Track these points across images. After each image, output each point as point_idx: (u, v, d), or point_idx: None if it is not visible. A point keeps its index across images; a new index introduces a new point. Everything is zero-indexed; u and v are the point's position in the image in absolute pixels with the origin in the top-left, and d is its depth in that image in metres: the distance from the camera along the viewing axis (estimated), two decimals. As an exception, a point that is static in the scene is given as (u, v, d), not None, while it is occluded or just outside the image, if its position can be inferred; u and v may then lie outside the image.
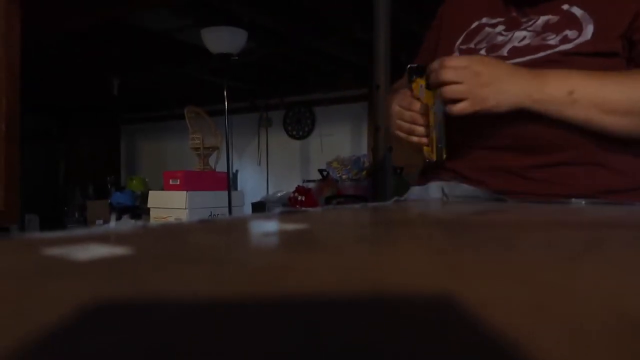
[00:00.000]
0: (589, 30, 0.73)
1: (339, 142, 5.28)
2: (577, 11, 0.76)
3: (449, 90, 0.68)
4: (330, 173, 4.54)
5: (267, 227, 0.33)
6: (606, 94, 0.67)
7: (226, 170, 3.32)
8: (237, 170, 5.60)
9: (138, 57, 4.11)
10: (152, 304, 0.13)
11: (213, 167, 3.51)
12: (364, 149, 5.04)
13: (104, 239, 0.24)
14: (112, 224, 0.28)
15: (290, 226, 0.32)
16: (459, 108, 0.67)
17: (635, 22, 0.72)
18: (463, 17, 0.89)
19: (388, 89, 1.29)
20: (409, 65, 0.75)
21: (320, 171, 4.76)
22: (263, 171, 5.76)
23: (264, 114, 5.71)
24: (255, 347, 0.10)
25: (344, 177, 4.40)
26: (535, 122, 0.70)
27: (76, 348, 0.10)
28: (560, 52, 0.73)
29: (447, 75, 0.68)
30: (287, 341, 0.10)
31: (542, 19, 0.78)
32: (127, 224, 0.28)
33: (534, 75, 0.68)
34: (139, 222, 0.29)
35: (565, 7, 0.77)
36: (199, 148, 3.42)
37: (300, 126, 5.57)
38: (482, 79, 0.67)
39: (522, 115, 0.69)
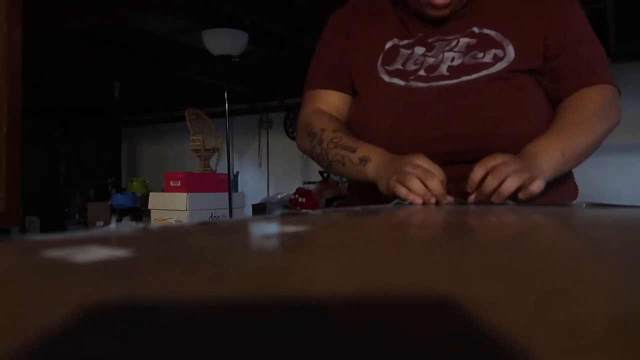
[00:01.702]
0: (510, 50, 0.79)
1: (339, 143, 5.27)
2: (490, 32, 0.81)
3: (510, 181, 0.65)
4: (331, 175, 4.54)
5: (267, 229, 0.33)
6: (578, 145, 0.76)
7: (227, 172, 3.32)
8: (237, 172, 5.60)
9: (139, 59, 4.11)
10: (152, 306, 0.13)
11: (214, 169, 3.51)
12: (364, 150, 5.04)
13: (104, 241, 0.24)
14: (113, 225, 0.28)
15: (291, 228, 0.32)
16: (538, 184, 0.65)
17: (547, 39, 0.79)
18: (370, 38, 0.87)
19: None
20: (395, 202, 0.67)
21: (321, 173, 4.76)
22: (264, 173, 5.76)
23: (265, 115, 5.72)
24: (255, 349, 0.10)
25: (344, 178, 4.39)
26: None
27: (76, 350, 0.10)
28: (501, 70, 0.78)
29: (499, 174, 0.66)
30: (288, 342, 0.10)
31: (462, 41, 0.81)
32: (128, 225, 0.28)
33: (531, 157, 0.72)
34: (140, 224, 0.29)
35: (475, 29, 0.81)
36: (200, 150, 3.43)
37: (300, 127, 5.57)
38: (517, 163, 0.69)
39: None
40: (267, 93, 5.45)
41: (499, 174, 0.66)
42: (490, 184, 0.66)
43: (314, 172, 5.12)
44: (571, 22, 0.82)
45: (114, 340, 0.10)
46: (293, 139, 5.59)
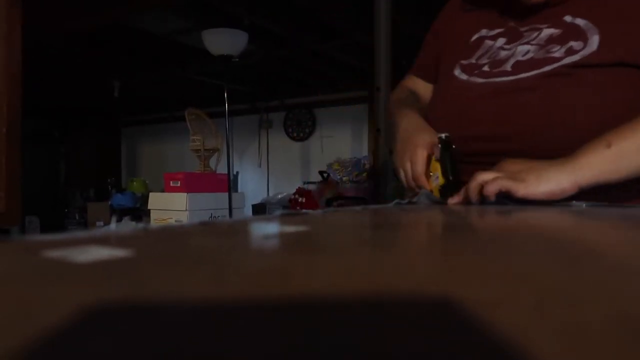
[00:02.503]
0: (594, 40, 0.70)
1: (339, 143, 5.28)
2: (580, 22, 0.73)
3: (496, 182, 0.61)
4: (331, 175, 4.54)
5: (267, 229, 0.33)
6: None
7: (227, 172, 3.33)
8: (237, 172, 5.61)
9: (139, 59, 4.11)
10: (152, 307, 0.13)
11: (214, 169, 3.51)
12: (364, 150, 5.04)
13: (104, 241, 0.24)
14: (113, 225, 0.28)
15: (291, 228, 0.32)
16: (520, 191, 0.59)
17: None
18: (462, 30, 0.88)
19: (389, 92, 1.29)
20: (439, 135, 0.72)
21: (321, 173, 4.76)
22: (263, 173, 5.76)
23: (265, 115, 5.72)
24: (256, 349, 0.10)
25: (344, 178, 4.40)
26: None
27: (76, 350, 0.10)
28: (566, 65, 0.70)
29: (485, 176, 0.63)
30: (288, 343, 0.10)
31: (545, 32, 0.75)
32: (128, 225, 0.28)
33: (566, 161, 0.62)
34: (140, 224, 0.29)
35: (568, 18, 0.75)
36: (200, 150, 3.43)
37: (300, 128, 5.57)
38: (519, 168, 0.63)
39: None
40: (267, 93, 5.45)
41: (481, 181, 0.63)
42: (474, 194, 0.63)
43: (314, 172, 5.13)
44: None
45: (114, 340, 0.10)
46: (293, 138, 5.60)
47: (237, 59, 3.14)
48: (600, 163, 0.60)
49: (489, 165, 0.67)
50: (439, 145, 0.72)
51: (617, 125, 0.63)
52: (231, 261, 0.21)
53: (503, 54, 0.79)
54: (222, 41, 3.02)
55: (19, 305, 0.13)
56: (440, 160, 0.71)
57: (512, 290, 0.16)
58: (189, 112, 3.45)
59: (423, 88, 0.99)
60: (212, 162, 3.53)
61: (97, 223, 4.82)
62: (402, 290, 0.16)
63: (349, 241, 0.29)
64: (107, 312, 0.13)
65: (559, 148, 0.65)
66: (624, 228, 0.39)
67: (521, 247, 0.27)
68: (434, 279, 0.18)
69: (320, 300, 0.14)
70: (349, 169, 4.44)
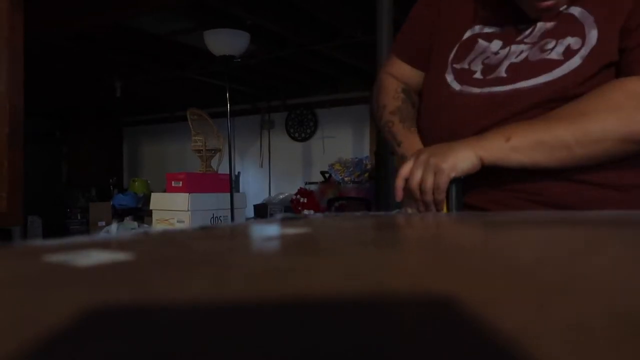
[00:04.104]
0: (592, 36, 0.67)
1: (341, 144, 5.28)
2: (574, 10, 0.70)
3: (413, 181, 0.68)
4: (333, 175, 4.54)
5: (268, 232, 0.33)
6: (555, 134, 0.64)
7: (228, 172, 3.33)
8: (239, 172, 5.61)
9: (140, 60, 4.12)
10: (154, 310, 0.13)
11: (215, 169, 3.52)
12: (366, 151, 5.04)
13: (105, 245, 0.24)
14: (114, 226, 0.28)
15: (291, 231, 0.32)
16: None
17: (629, 20, 0.66)
18: (455, 22, 0.82)
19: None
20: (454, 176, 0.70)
21: (323, 173, 4.76)
22: (265, 173, 5.77)
23: (266, 116, 5.72)
24: (257, 351, 0.10)
25: (346, 179, 4.40)
26: (541, 178, 0.68)
27: (78, 354, 0.10)
28: (575, 72, 0.67)
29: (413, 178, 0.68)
30: (289, 344, 0.10)
31: (539, 26, 0.72)
32: (129, 226, 0.28)
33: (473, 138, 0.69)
34: (141, 228, 0.29)
35: (562, 8, 0.71)
36: (201, 150, 3.43)
37: (302, 128, 5.57)
38: (431, 158, 0.68)
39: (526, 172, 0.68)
40: (268, 93, 5.46)
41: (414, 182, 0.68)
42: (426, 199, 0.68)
43: (316, 173, 5.13)
44: None
45: (116, 344, 0.11)
46: (294, 139, 5.60)
47: (238, 60, 3.14)
48: (498, 151, 0.66)
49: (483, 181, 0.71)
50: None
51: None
52: (232, 264, 0.21)
53: (495, 58, 0.75)
54: (224, 42, 3.02)
55: (20, 310, 0.14)
56: (448, 193, 0.69)
57: (513, 290, 0.16)
58: (191, 112, 3.45)
59: (409, 74, 0.89)
60: (214, 162, 3.53)
61: (99, 223, 4.83)
62: (402, 290, 0.16)
63: (350, 243, 0.30)
64: (109, 315, 0.13)
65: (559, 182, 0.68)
66: (626, 227, 0.39)
67: (521, 246, 0.27)
68: (434, 279, 0.18)
69: (321, 301, 0.14)
70: (351, 169, 4.44)
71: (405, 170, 0.70)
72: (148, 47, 3.78)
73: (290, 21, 3.31)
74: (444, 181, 0.66)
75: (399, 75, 0.91)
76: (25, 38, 1.45)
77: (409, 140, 0.83)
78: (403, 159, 0.80)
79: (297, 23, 3.35)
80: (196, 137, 3.43)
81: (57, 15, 2.96)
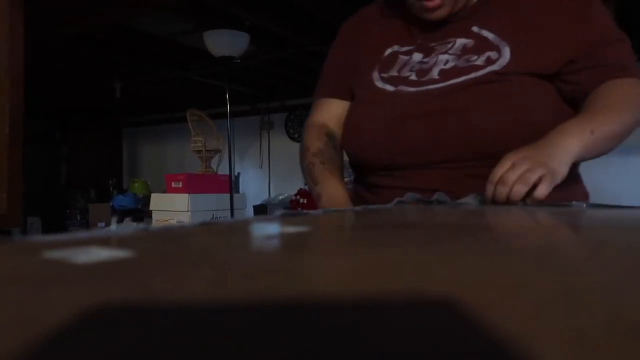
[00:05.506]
0: (506, 52, 0.77)
1: (340, 144, 5.27)
2: (488, 35, 0.80)
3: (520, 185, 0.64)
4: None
5: (268, 229, 0.33)
6: (609, 125, 0.72)
7: (228, 173, 3.33)
8: (239, 173, 5.60)
9: (140, 60, 4.12)
10: (153, 307, 0.13)
11: (215, 170, 3.51)
12: (365, 151, 5.03)
13: (105, 242, 0.24)
14: (114, 227, 0.28)
15: (291, 229, 0.32)
16: (542, 190, 0.64)
17: (569, 41, 0.76)
18: (372, 45, 0.89)
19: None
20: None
21: (322, 174, 4.74)
22: (265, 174, 5.76)
23: (266, 116, 5.72)
24: (256, 350, 0.10)
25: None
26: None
27: (78, 352, 0.10)
28: (492, 72, 0.76)
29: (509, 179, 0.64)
30: (289, 344, 0.10)
31: (459, 42, 0.81)
32: (129, 226, 0.28)
33: (558, 134, 0.69)
34: (141, 225, 0.29)
35: (475, 29, 0.81)
36: (201, 151, 3.43)
37: (302, 129, 5.54)
38: (532, 159, 0.66)
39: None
40: (268, 94, 5.45)
41: (507, 181, 0.64)
42: (500, 194, 0.65)
43: (315, 173, 5.10)
44: (595, 21, 0.79)
45: (115, 341, 0.10)
46: (294, 139, 5.60)
47: (238, 60, 3.14)
48: (585, 148, 0.69)
49: (434, 166, 0.76)
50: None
51: (544, 127, 0.71)
52: (232, 262, 0.21)
53: (425, 65, 0.82)
54: (224, 42, 3.02)
55: (20, 306, 0.14)
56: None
57: (513, 292, 0.16)
58: (191, 113, 3.45)
59: (337, 110, 0.93)
60: (214, 163, 3.53)
61: (99, 224, 4.82)
62: (403, 290, 0.16)
63: (350, 242, 0.29)
64: (108, 313, 0.13)
65: (495, 144, 0.72)
66: (627, 230, 0.39)
67: (522, 248, 0.27)
68: (434, 280, 0.18)
69: (321, 301, 0.14)
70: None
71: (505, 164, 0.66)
72: (148, 47, 3.77)
73: (290, 21, 3.31)
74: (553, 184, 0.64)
75: (326, 115, 0.95)
76: (25, 38, 1.45)
77: (328, 181, 0.87)
78: (319, 199, 0.85)
79: (297, 23, 3.35)
80: (196, 138, 3.43)
81: (57, 15, 2.96)
